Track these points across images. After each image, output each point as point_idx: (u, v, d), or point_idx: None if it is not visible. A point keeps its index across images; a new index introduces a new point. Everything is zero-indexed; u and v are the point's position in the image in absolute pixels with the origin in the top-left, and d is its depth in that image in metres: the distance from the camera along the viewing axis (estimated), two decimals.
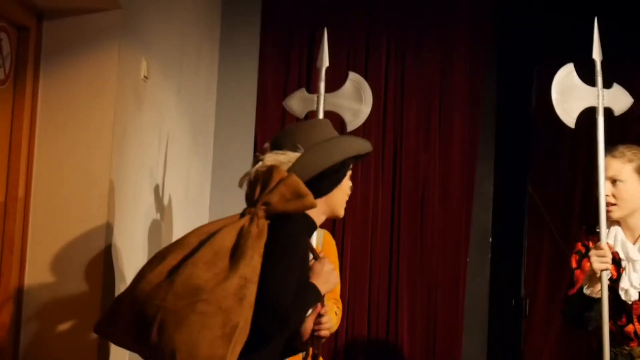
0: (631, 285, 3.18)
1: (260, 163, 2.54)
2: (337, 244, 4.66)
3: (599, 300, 3.14)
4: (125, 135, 3.23)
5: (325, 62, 3.49)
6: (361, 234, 4.79)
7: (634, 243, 3.24)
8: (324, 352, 2.90)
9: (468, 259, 4.87)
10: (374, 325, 4.76)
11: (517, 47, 5.12)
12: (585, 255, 3.27)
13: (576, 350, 4.78)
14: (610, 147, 3.27)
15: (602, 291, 3.12)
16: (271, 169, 2.47)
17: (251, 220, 2.39)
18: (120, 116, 3.15)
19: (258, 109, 4.87)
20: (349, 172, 2.67)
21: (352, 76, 3.55)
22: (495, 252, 5.01)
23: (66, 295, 3.04)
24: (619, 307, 3.20)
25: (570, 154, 5.07)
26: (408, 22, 4.94)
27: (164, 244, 3.72)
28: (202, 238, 2.41)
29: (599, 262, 3.10)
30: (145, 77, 3.41)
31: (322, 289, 2.53)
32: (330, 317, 2.82)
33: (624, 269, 3.20)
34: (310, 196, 2.43)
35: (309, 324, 2.69)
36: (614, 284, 3.20)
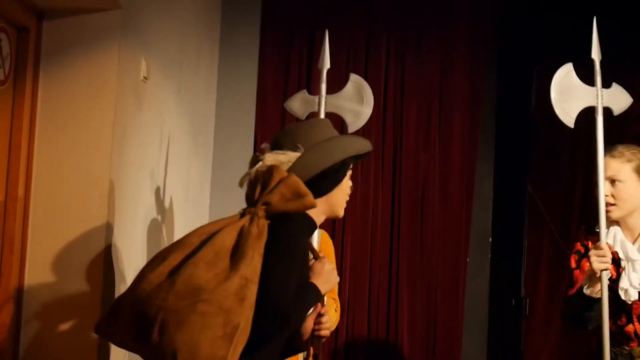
0: (631, 285, 3.18)
1: (260, 163, 2.54)
2: (337, 244, 4.70)
3: (598, 300, 3.14)
4: (125, 135, 3.23)
5: (327, 64, 3.49)
6: (361, 234, 4.79)
7: (634, 243, 3.24)
8: (324, 352, 2.90)
9: (468, 259, 4.87)
10: (374, 325, 4.76)
11: (517, 47, 5.12)
12: (585, 255, 3.27)
13: (576, 350, 4.78)
14: (609, 147, 3.27)
15: (602, 291, 3.12)
16: (271, 169, 2.47)
17: (251, 220, 2.40)
18: (120, 116, 3.15)
19: (258, 109, 4.87)
20: (349, 172, 2.67)
21: (353, 78, 3.55)
22: (495, 252, 5.01)
23: (66, 295, 3.04)
24: (619, 307, 3.20)
25: (570, 154, 5.07)
26: (408, 22, 4.94)
27: (164, 244, 3.72)
28: (203, 238, 2.41)
29: (599, 261, 3.10)
30: (145, 77, 3.41)
31: (323, 288, 2.53)
32: (330, 316, 2.82)
33: (624, 268, 3.20)
34: (310, 196, 2.43)
35: (309, 324, 2.69)
36: (614, 283, 3.20)
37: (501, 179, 5.07)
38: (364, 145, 2.67)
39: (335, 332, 4.65)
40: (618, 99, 3.33)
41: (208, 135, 4.76)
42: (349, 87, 3.52)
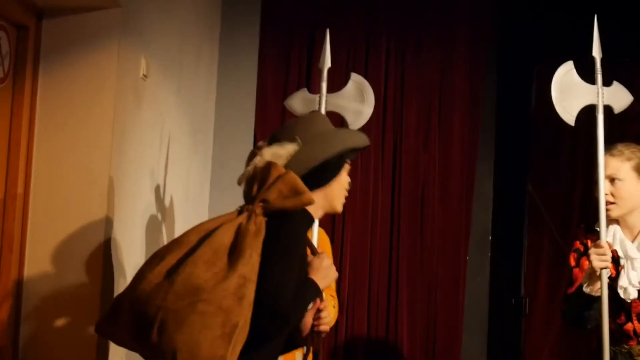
0: (630, 283, 3.17)
1: (258, 158, 2.53)
2: (337, 244, 4.70)
3: (598, 299, 3.13)
4: (125, 134, 3.23)
5: (327, 63, 3.49)
6: (361, 233, 4.78)
7: (633, 241, 3.24)
8: (323, 349, 2.89)
9: (468, 258, 4.87)
10: (374, 325, 4.75)
11: (517, 46, 5.12)
12: (584, 254, 3.26)
13: (576, 349, 4.78)
14: (609, 145, 3.27)
15: (602, 289, 3.12)
16: (269, 166, 2.47)
17: (249, 218, 2.39)
18: (119, 114, 3.15)
19: (258, 109, 4.87)
20: (348, 167, 2.67)
21: (354, 77, 3.56)
22: (495, 252, 5.01)
23: (65, 293, 3.04)
24: (618, 305, 3.19)
25: (570, 154, 5.07)
26: (408, 22, 4.94)
27: (164, 242, 3.72)
28: (201, 235, 2.41)
29: (599, 260, 3.10)
30: (144, 75, 3.41)
31: (321, 284, 2.53)
32: (329, 311, 2.81)
33: (623, 267, 3.20)
34: (308, 193, 2.43)
35: (308, 319, 2.68)
36: (613, 282, 3.19)
37: (501, 179, 5.07)
38: (362, 139, 2.68)
39: (335, 330, 4.65)
40: (618, 97, 3.33)
41: (208, 135, 4.77)
42: (350, 86, 3.52)
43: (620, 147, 3.27)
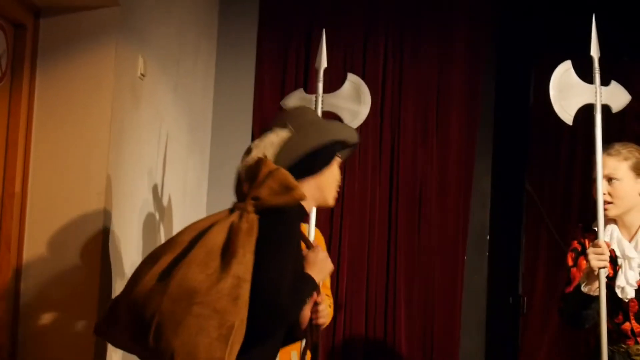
0: (627, 283, 3.17)
1: (252, 153, 2.53)
2: (334, 242, 4.70)
3: (596, 298, 3.13)
4: (123, 132, 3.23)
5: (324, 64, 3.49)
6: (358, 232, 4.78)
7: (630, 241, 3.24)
8: (322, 349, 2.90)
9: (465, 257, 4.87)
10: (372, 323, 4.75)
11: (515, 45, 5.12)
12: (582, 253, 3.26)
13: (574, 347, 4.78)
14: (606, 145, 3.27)
15: (600, 289, 3.11)
16: (259, 162, 2.47)
17: (241, 216, 2.39)
18: (117, 113, 3.15)
19: (255, 107, 4.86)
20: (339, 161, 2.66)
21: (351, 77, 3.56)
22: (493, 250, 5.01)
23: (63, 292, 3.04)
24: (616, 305, 3.19)
25: (568, 152, 5.07)
26: (406, 20, 4.93)
27: (161, 241, 3.72)
28: (193, 235, 2.40)
29: (597, 259, 3.10)
30: (142, 74, 3.41)
31: (318, 277, 2.53)
32: (325, 305, 2.81)
33: (620, 266, 3.20)
34: (299, 189, 2.42)
35: (306, 313, 2.67)
36: (610, 281, 3.19)
37: (499, 177, 5.07)
38: (352, 134, 2.69)
39: (333, 330, 4.65)
40: (617, 96, 3.33)
41: (205, 133, 4.76)
42: (347, 87, 3.52)
43: (617, 146, 3.27)
